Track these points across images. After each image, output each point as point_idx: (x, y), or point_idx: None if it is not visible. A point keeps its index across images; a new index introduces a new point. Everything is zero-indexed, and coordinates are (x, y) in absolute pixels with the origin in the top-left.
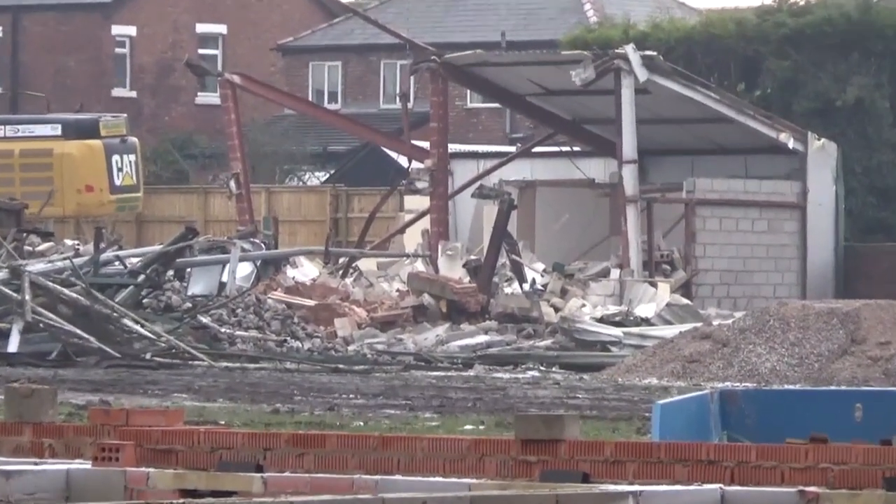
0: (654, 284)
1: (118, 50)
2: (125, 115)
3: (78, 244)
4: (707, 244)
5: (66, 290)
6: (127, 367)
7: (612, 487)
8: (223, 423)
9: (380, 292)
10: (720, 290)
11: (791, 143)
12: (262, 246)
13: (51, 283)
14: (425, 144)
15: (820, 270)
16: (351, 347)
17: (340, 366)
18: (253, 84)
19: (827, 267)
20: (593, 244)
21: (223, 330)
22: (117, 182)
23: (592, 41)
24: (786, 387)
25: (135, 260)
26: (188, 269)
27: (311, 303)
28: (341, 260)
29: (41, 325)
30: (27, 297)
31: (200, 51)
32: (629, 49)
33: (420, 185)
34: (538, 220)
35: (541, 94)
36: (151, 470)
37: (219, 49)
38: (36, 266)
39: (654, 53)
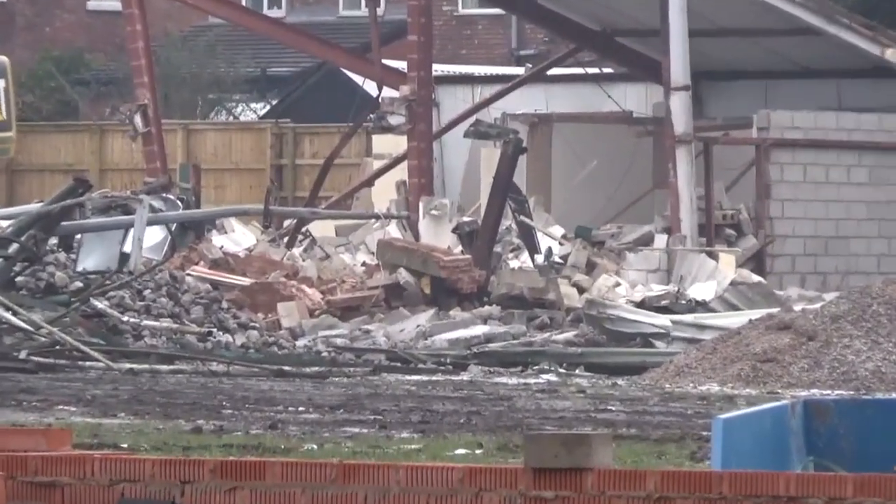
0: (713, 256)
1: None
2: None
3: None
4: (786, 201)
5: None
6: None
7: None
8: (126, 446)
9: (339, 267)
10: (804, 263)
11: None
12: (179, 204)
13: None
14: (401, 65)
15: None
16: (300, 342)
17: (286, 367)
18: None
19: None
20: (631, 201)
21: (126, 319)
22: None
23: None
24: (895, 395)
25: (4, 224)
26: (78, 237)
27: (246, 281)
28: (287, 223)
29: None
30: None
31: None
32: None
33: (394, 120)
34: (555, 169)
35: None
36: None
37: None
38: None
39: None
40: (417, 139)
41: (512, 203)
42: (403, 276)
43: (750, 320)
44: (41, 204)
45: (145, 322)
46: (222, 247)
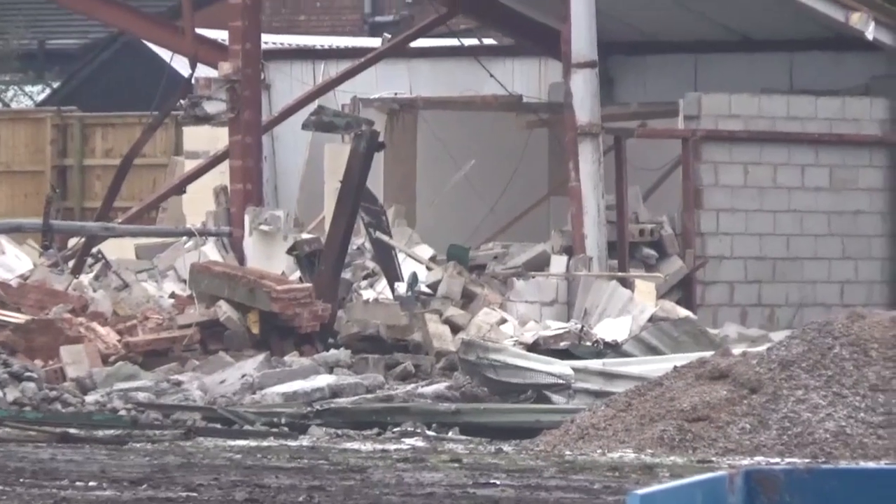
0: (627, 284)
1: None
2: None
3: None
4: (722, 211)
5: None
6: None
7: None
8: None
9: (141, 299)
10: (745, 292)
11: (870, 31)
12: None
13: None
14: (221, 35)
15: None
16: (91, 398)
17: (72, 430)
18: None
19: None
20: (520, 212)
21: None
22: None
23: None
24: (864, 464)
25: None
26: None
27: (20, 318)
28: (73, 241)
29: None
30: None
31: None
32: None
33: (211, 107)
34: (422, 170)
35: None
36: None
37: None
38: None
39: None
40: (242, 132)
41: (365, 215)
42: (224, 310)
43: (675, 367)
44: None
45: None
46: None
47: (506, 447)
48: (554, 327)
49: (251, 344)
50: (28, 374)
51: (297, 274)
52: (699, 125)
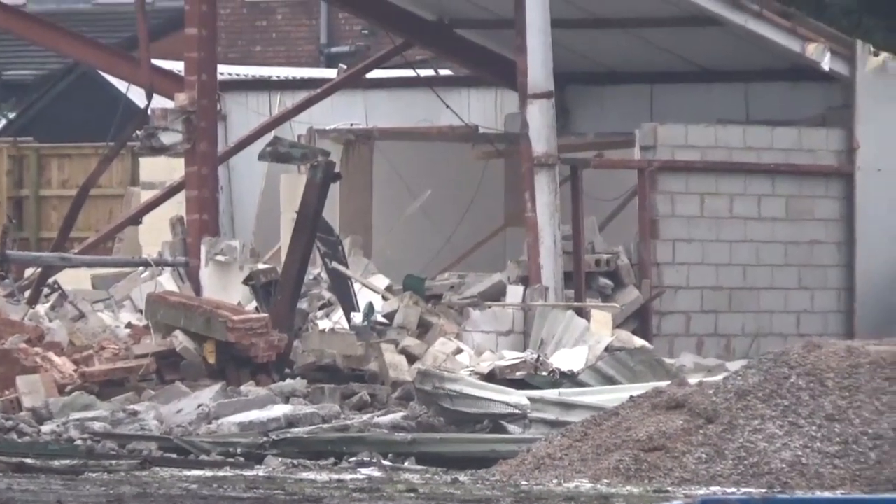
0: (584, 314)
1: None
2: None
3: None
4: (679, 241)
5: None
6: None
7: None
8: None
9: (97, 329)
10: (702, 322)
11: (827, 61)
12: None
13: None
14: (177, 66)
15: (879, 286)
16: (47, 427)
17: (28, 460)
18: None
19: (892, 280)
20: (476, 242)
21: None
22: None
23: None
24: (820, 494)
25: None
26: None
27: None
28: (29, 272)
29: None
30: None
31: None
32: None
33: (167, 138)
34: (378, 201)
35: None
36: None
37: None
38: None
39: None
40: (198, 163)
41: (321, 246)
42: (181, 340)
43: (631, 397)
44: None
45: None
46: None
47: (462, 477)
48: (510, 357)
49: (207, 374)
50: None
51: (254, 304)
52: (655, 155)
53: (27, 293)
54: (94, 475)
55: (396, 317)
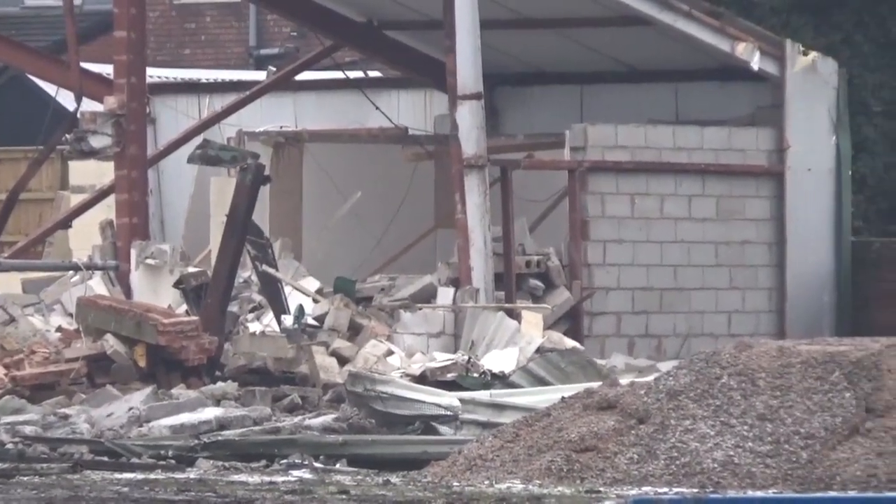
0: (514, 315)
1: None
2: None
3: None
4: (609, 242)
5: None
6: None
7: None
8: None
9: (28, 333)
10: (633, 323)
11: (756, 60)
12: None
13: None
14: (106, 70)
15: (810, 286)
16: None
17: None
18: None
19: (822, 280)
20: (407, 244)
21: None
22: None
23: None
24: (752, 493)
25: None
26: None
27: None
28: None
29: None
30: None
31: None
32: None
33: (97, 142)
34: (308, 203)
35: None
36: None
37: None
38: None
39: None
40: (128, 166)
41: (251, 248)
42: (111, 344)
43: (563, 398)
44: None
45: None
46: None
47: (393, 478)
48: (441, 359)
49: (138, 377)
50: None
51: (184, 307)
52: (585, 156)
53: None
54: (25, 479)
55: (327, 319)
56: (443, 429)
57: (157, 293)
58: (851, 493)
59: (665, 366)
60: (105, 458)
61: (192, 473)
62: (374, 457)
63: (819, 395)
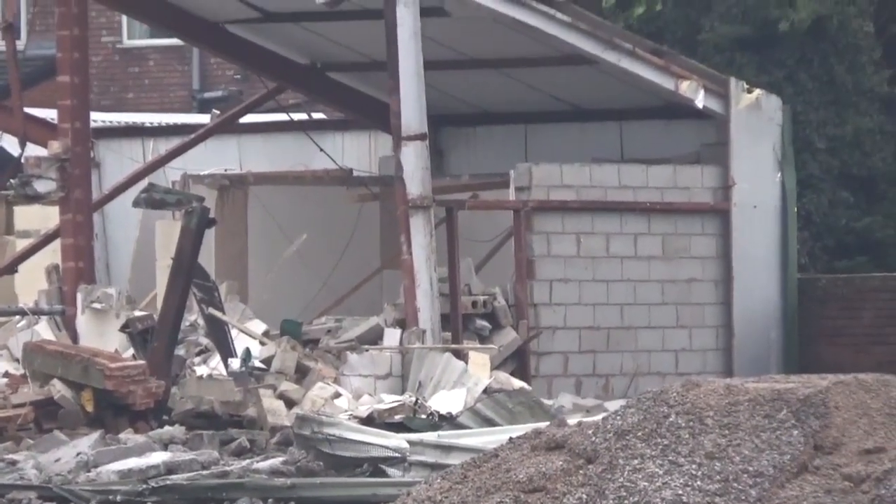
0: (461, 356)
1: None
2: None
3: None
4: (555, 281)
5: None
6: None
7: None
8: None
9: None
10: (580, 362)
11: (700, 98)
12: None
13: None
14: (50, 114)
15: (757, 323)
16: None
17: None
18: None
19: (769, 317)
20: (353, 286)
21: None
22: None
23: None
24: None
25: None
26: None
27: None
28: None
29: None
30: None
31: None
32: None
33: (42, 186)
34: (253, 246)
35: (254, 19)
36: None
37: None
38: None
39: None
40: (73, 210)
41: (197, 292)
42: (58, 389)
43: (511, 439)
44: None
45: None
46: None
47: None
48: (388, 400)
49: (86, 422)
50: None
51: (131, 351)
52: (530, 196)
53: None
54: None
55: (274, 362)
56: (391, 471)
57: (104, 337)
58: None
59: (613, 405)
60: None
61: None
62: (322, 499)
63: (767, 432)
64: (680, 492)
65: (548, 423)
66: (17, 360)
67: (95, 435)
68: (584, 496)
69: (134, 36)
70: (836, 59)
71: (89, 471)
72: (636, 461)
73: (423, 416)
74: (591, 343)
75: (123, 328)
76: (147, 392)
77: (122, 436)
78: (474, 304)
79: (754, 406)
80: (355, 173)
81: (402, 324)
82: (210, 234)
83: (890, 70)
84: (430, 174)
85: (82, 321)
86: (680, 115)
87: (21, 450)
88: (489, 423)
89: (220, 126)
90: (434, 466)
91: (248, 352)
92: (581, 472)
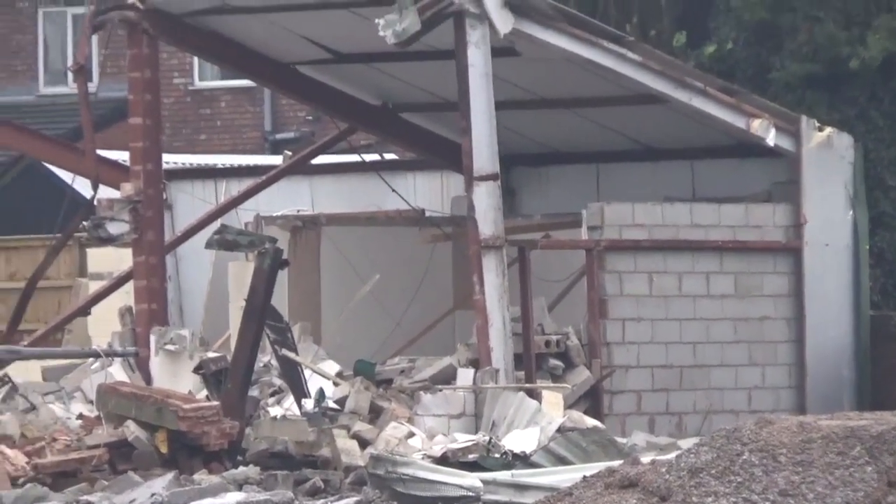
0: (535, 395)
1: None
2: None
3: None
4: (628, 320)
5: None
6: None
7: None
8: None
9: (49, 421)
10: (653, 401)
11: (772, 137)
12: None
13: None
14: (122, 156)
15: (829, 361)
16: None
17: None
18: None
19: (842, 354)
20: (426, 326)
21: None
22: None
23: None
24: None
25: None
26: None
27: None
28: None
29: None
30: None
31: None
32: None
33: (114, 228)
34: (326, 287)
35: (325, 60)
36: None
37: None
38: None
39: None
40: (146, 252)
41: (271, 333)
42: (132, 430)
43: (584, 477)
44: None
45: None
46: None
47: None
48: (462, 440)
49: (160, 463)
50: None
51: (204, 392)
52: (603, 235)
53: None
54: None
55: (348, 402)
56: None
57: (177, 379)
58: None
59: (686, 443)
60: None
61: None
62: None
63: (840, 470)
64: None
65: (621, 461)
66: (92, 402)
67: (169, 476)
68: None
69: (205, 77)
70: None
71: None
72: (710, 499)
73: (497, 456)
74: (664, 381)
75: (197, 369)
76: (221, 433)
77: (196, 477)
78: (547, 343)
79: (827, 443)
80: (427, 214)
81: (475, 363)
82: (283, 275)
83: None
84: (502, 214)
85: (156, 363)
86: (751, 154)
87: (96, 491)
88: (563, 461)
89: (293, 167)
90: None
91: (321, 392)
92: None
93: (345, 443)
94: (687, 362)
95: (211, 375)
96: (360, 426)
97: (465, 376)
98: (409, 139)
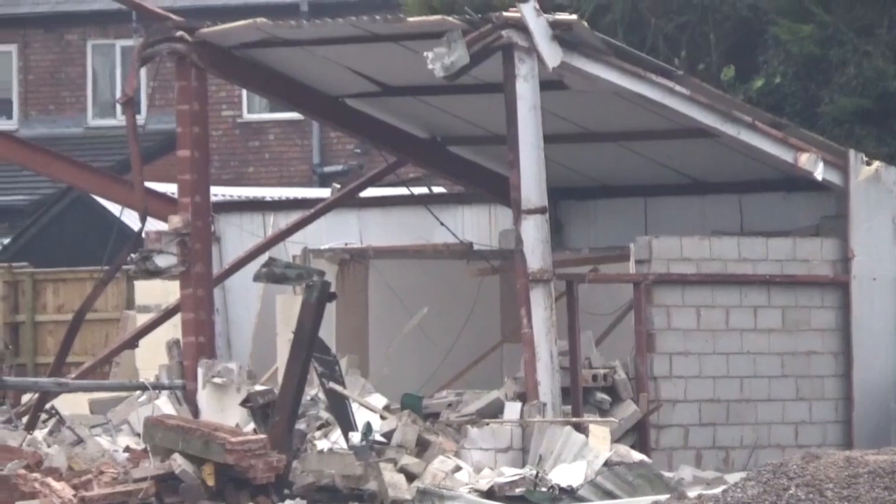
0: (582, 429)
1: None
2: None
3: None
4: (675, 354)
5: None
6: None
7: None
8: None
9: (96, 454)
10: (700, 435)
11: (820, 171)
12: None
13: None
14: (170, 189)
15: (877, 395)
16: None
17: None
18: None
19: (889, 389)
20: (473, 359)
21: None
22: None
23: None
24: None
25: None
26: None
27: None
28: (26, 398)
29: None
30: None
31: None
32: (527, 10)
33: (162, 261)
34: (374, 320)
35: (373, 93)
36: None
37: None
38: None
39: (574, 17)
40: (194, 285)
41: (318, 366)
42: (179, 463)
43: None
44: None
45: None
46: None
47: None
48: (509, 474)
49: (207, 496)
50: None
51: (252, 426)
52: (650, 269)
53: (25, 419)
54: None
55: (395, 435)
56: None
57: (225, 412)
58: None
59: (733, 477)
60: None
61: None
62: None
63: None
64: None
65: (668, 496)
66: (139, 435)
67: None
68: None
69: (254, 110)
70: None
71: None
72: None
73: (544, 490)
74: (712, 416)
75: (244, 403)
76: (268, 466)
77: None
78: (594, 377)
79: (874, 478)
80: (475, 247)
81: (522, 397)
82: (331, 308)
83: None
84: (550, 247)
85: (203, 396)
86: (799, 188)
87: None
88: (610, 496)
89: (341, 200)
90: None
91: (368, 426)
92: None
93: (392, 476)
94: (734, 396)
95: (258, 408)
96: (407, 460)
97: (513, 410)
98: (457, 172)
